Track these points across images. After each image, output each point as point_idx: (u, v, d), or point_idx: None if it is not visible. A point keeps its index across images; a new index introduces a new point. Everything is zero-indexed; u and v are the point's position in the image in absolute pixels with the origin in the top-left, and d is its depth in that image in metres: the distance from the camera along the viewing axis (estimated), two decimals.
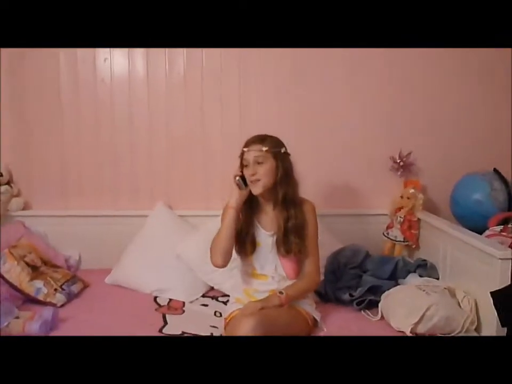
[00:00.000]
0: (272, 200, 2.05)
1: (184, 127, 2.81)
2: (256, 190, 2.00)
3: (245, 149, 2.01)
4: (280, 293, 1.95)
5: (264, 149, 1.98)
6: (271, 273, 2.06)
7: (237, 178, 2.00)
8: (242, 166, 2.03)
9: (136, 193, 2.84)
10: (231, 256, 2.02)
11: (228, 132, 2.77)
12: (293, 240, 2.00)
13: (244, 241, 2.03)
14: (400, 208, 2.74)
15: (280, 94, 2.79)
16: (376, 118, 2.84)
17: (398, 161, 2.82)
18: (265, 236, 2.05)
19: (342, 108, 2.82)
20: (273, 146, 2.01)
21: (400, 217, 2.72)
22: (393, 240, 2.75)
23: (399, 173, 2.84)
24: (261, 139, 2.02)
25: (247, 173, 2.00)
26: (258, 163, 1.98)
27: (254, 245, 2.04)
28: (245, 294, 2.09)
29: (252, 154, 1.99)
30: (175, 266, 2.51)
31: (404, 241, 2.72)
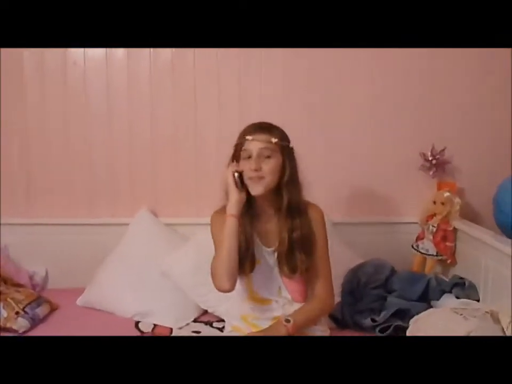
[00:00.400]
0: (273, 206, 1.97)
1: (172, 120, 2.80)
2: (257, 189, 1.90)
3: (249, 137, 1.90)
4: (287, 320, 1.88)
5: (274, 140, 1.89)
6: (274, 296, 2.00)
7: (236, 174, 1.90)
8: (238, 158, 1.94)
9: (115, 197, 2.83)
10: (237, 275, 1.92)
11: (224, 127, 2.74)
12: (298, 256, 1.93)
13: (241, 258, 1.92)
14: (432, 216, 2.73)
15: (289, 86, 2.81)
16: (403, 107, 2.83)
17: (430, 158, 2.80)
18: (265, 252, 1.98)
19: (360, 98, 2.83)
20: (282, 138, 1.94)
21: (432, 226, 2.71)
22: (424, 254, 2.74)
23: (431, 172, 2.82)
24: (267, 128, 1.94)
25: (247, 167, 1.89)
26: (266, 157, 1.89)
27: (252, 263, 1.95)
28: (243, 321, 2.03)
29: (257, 145, 1.89)
30: (161, 285, 2.49)
31: (437, 255, 2.71)
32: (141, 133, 2.80)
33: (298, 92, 2.81)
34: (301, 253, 1.93)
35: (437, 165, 2.80)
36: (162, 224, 2.76)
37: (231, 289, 1.88)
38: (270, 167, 1.89)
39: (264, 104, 2.78)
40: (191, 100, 2.78)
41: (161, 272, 2.50)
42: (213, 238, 1.97)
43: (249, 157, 1.90)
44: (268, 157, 1.89)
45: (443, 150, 2.79)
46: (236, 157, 1.95)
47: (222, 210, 1.94)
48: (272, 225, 1.99)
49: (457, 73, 2.81)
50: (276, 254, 1.96)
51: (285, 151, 1.93)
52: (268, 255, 1.98)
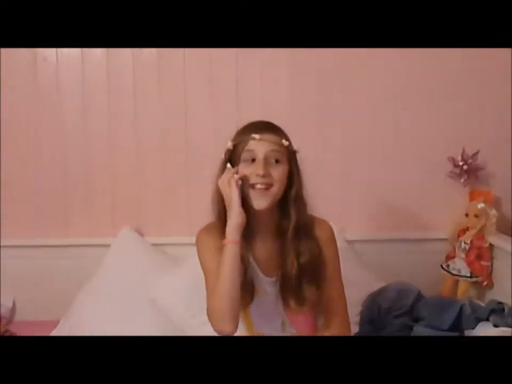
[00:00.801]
0: (272, 225, 1.88)
1: (160, 125, 2.81)
2: (263, 201, 1.79)
3: (256, 136, 1.79)
4: None
5: (285, 143, 1.81)
6: (277, 332, 1.95)
7: (239, 181, 1.78)
8: (236, 162, 1.83)
9: (93, 213, 2.82)
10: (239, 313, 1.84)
11: (220, 133, 2.64)
12: (306, 287, 1.85)
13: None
14: (464, 230, 2.73)
15: (295, 87, 2.82)
16: (428, 107, 2.84)
17: (461, 164, 2.81)
18: (265, 282, 1.91)
19: (378, 99, 2.84)
20: (290, 142, 1.86)
21: (465, 242, 2.70)
22: (455, 275, 2.72)
23: (462, 180, 2.83)
24: (274, 128, 1.85)
25: (251, 172, 1.78)
26: (274, 162, 1.79)
27: (251, 293, 1.87)
28: None
29: (266, 146, 1.78)
30: (148, 315, 2.48)
31: (470, 277, 2.70)
32: (123, 139, 2.80)
33: (306, 93, 2.82)
34: (309, 283, 1.84)
35: (468, 171, 2.79)
36: (148, 244, 2.76)
37: (234, 331, 1.77)
38: (279, 174, 1.79)
39: (267, 106, 2.77)
40: (181, 103, 2.79)
41: (149, 300, 2.50)
42: (202, 265, 1.87)
43: (253, 160, 1.79)
44: (277, 161, 1.79)
45: (475, 153, 2.79)
46: (233, 160, 1.83)
47: (212, 229, 1.86)
48: (271, 249, 1.90)
49: (490, 70, 2.82)
50: (278, 284, 1.88)
51: (292, 157, 1.86)
52: (267, 285, 1.89)
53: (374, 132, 2.84)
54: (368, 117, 2.84)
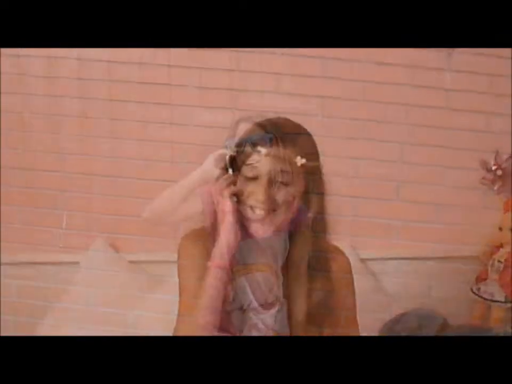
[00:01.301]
0: (278, 251, 1.76)
1: (141, 122, 2.80)
2: (263, 229, 1.68)
3: (262, 150, 1.66)
4: None
5: (300, 161, 1.67)
6: None
7: (235, 199, 1.67)
8: (238, 173, 1.70)
9: (61, 225, 2.72)
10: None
11: (213, 137, 2.68)
12: (313, 330, 1.77)
13: (228, 311, 1.77)
14: (498, 247, 2.74)
15: (302, 86, 2.78)
16: (456, 103, 2.81)
17: (494, 168, 2.80)
18: (260, 314, 1.80)
19: (396, 96, 2.73)
20: (311, 155, 1.72)
21: (498, 261, 2.71)
22: (487, 299, 2.72)
23: (495, 187, 2.82)
24: (291, 136, 1.72)
25: (252, 191, 1.66)
26: (281, 183, 1.66)
27: (240, 324, 1.79)
28: None
29: (273, 165, 1.65)
30: None
31: (505, 302, 2.69)
32: (97, 139, 2.78)
33: (315, 93, 2.77)
34: (318, 326, 1.76)
35: (503, 176, 2.79)
36: (126, 261, 2.78)
37: None
38: (286, 198, 1.65)
39: (269, 108, 2.73)
40: (166, 92, 2.75)
41: (125, 327, 2.56)
42: (179, 281, 1.78)
43: (256, 178, 1.66)
44: (285, 184, 1.66)
45: (511, 157, 2.79)
46: (235, 166, 1.71)
47: (199, 236, 1.76)
48: (272, 276, 1.78)
49: None
50: (275, 317, 1.77)
51: (314, 175, 1.72)
52: (261, 318, 1.78)
53: (390, 129, 2.74)
54: (381, 113, 2.76)
